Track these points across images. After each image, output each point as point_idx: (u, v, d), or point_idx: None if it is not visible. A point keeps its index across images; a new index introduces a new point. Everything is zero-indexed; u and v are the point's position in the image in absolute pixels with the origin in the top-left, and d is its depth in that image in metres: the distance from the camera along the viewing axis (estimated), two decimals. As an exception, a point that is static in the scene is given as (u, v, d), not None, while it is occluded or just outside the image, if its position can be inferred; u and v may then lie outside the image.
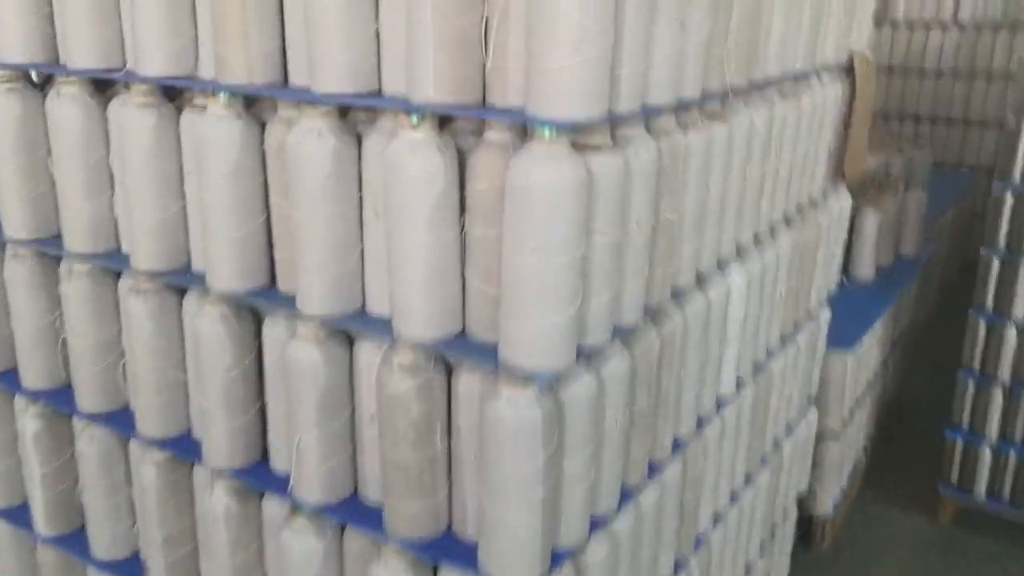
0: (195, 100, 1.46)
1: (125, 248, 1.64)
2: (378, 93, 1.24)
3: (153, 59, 1.39)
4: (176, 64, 1.40)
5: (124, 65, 1.48)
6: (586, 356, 1.23)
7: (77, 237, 1.64)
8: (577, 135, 1.12)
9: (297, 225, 1.31)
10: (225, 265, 1.42)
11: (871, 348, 3.10)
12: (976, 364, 2.96)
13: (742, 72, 1.50)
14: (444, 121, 1.24)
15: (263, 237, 1.43)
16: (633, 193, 1.23)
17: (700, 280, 1.56)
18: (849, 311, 2.77)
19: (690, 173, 1.41)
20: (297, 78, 1.32)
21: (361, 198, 1.30)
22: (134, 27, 1.41)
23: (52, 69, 1.57)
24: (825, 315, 2.35)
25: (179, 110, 1.48)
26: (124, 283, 1.63)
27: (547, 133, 1.07)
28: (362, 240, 1.32)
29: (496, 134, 1.18)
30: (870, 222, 3.28)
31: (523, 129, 1.16)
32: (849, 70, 2.08)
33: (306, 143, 1.25)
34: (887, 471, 3.43)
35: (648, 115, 1.25)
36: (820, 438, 2.72)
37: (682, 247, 1.44)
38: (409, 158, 1.17)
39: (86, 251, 1.64)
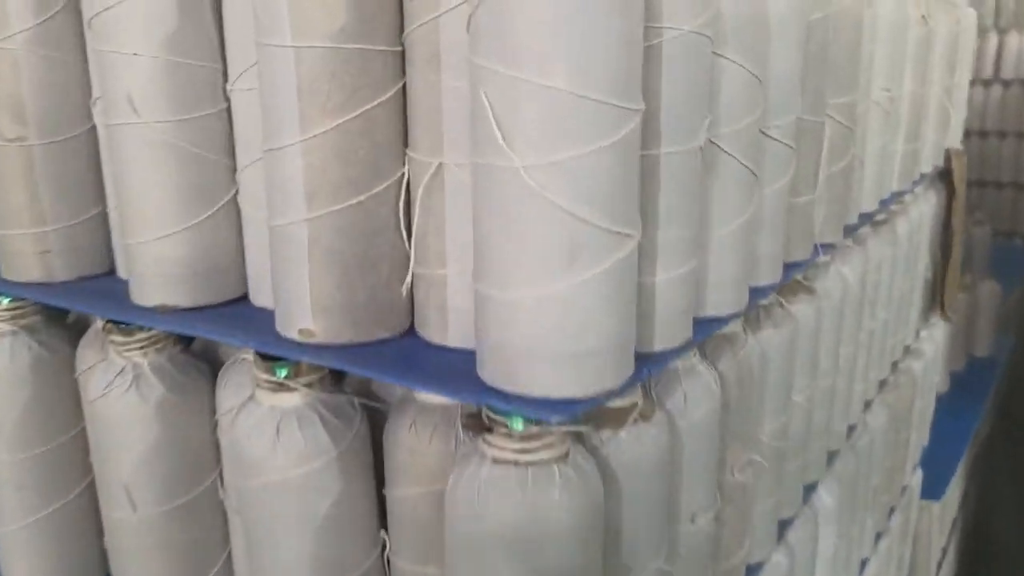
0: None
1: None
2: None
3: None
4: None
5: None
6: None
7: None
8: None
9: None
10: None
11: (956, 486, 2.56)
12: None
13: (833, 227, 1.01)
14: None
15: None
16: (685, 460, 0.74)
17: (782, 534, 1.06)
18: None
19: (766, 390, 0.91)
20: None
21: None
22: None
23: None
24: (917, 479, 1.83)
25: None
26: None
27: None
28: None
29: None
30: (940, 333, 2.75)
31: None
32: (946, 172, 1.59)
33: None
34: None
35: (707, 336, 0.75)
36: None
37: (752, 509, 0.94)
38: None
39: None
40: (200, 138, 0.73)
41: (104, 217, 0.87)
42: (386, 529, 0.73)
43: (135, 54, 0.70)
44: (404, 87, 0.66)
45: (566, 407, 0.57)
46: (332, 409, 0.70)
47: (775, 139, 0.80)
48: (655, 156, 0.63)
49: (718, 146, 0.71)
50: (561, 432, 0.60)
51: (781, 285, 0.89)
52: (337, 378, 0.73)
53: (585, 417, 0.66)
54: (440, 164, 0.64)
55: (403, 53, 0.65)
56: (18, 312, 0.88)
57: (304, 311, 0.67)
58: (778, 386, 0.93)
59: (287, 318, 0.68)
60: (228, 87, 0.73)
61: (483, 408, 0.61)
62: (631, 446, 0.66)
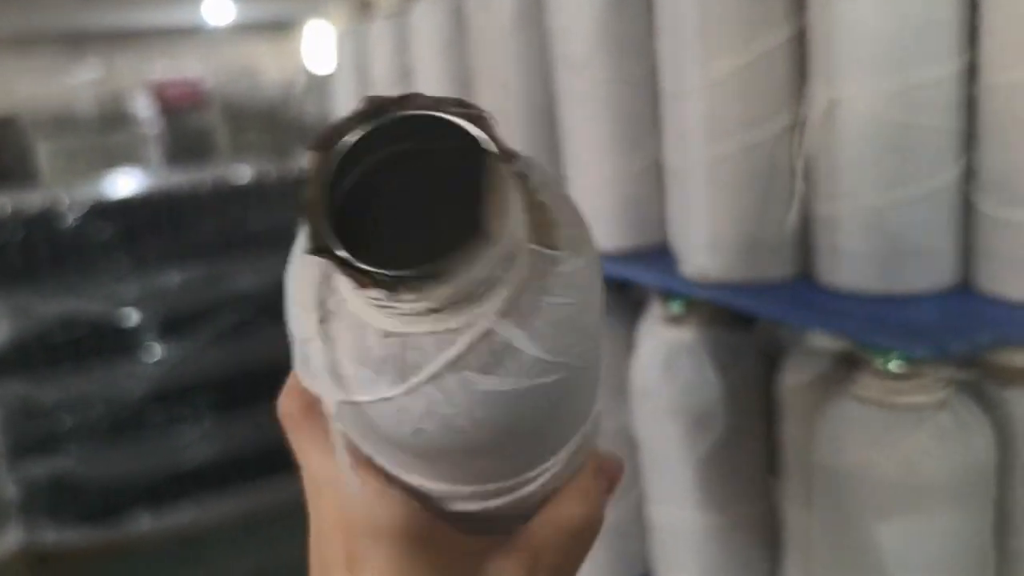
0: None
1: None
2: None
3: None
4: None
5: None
6: None
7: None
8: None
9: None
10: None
11: None
12: None
13: None
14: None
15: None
16: None
17: None
18: None
19: None
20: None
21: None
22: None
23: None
24: None
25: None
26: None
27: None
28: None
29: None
30: None
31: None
32: None
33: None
34: None
35: None
36: None
37: None
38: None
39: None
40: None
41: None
42: (775, 474, 0.72)
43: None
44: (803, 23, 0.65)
45: (939, 346, 0.52)
46: (723, 347, 0.71)
47: None
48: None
49: None
50: (939, 377, 0.55)
51: None
52: (734, 317, 0.74)
53: (980, 368, 0.59)
54: (833, 99, 0.62)
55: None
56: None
57: (700, 249, 0.69)
58: None
59: (685, 255, 0.71)
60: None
61: (857, 347, 0.58)
62: (1046, 411, 0.57)
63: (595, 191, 0.83)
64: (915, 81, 0.58)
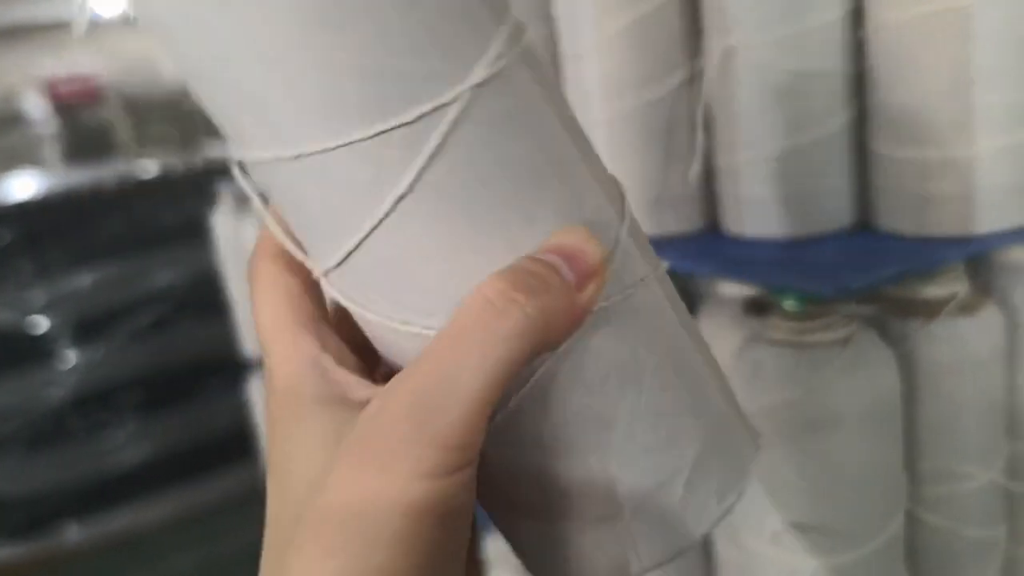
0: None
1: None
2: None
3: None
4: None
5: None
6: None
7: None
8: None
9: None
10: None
11: None
12: None
13: None
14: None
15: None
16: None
17: None
18: None
19: None
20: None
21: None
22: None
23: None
24: None
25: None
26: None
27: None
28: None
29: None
30: None
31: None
32: None
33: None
34: None
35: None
36: None
37: None
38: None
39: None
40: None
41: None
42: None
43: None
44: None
45: (841, 285, 0.53)
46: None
47: None
48: (964, 8, 0.55)
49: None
50: (843, 314, 0.57)
51: None
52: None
53: (882, 303, 0.61)
54: (727, 50, 0.63)
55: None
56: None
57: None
58: None
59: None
60: None
61: (764, 292, 0.59)
62: (946, 340, 0.60)
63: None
64: (805, 27, 0.59)
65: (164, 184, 2.53)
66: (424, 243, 0.26)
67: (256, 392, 1.71)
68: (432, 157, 0.25)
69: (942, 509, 0.62)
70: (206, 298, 2.16)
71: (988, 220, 0.59)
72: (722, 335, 0.65)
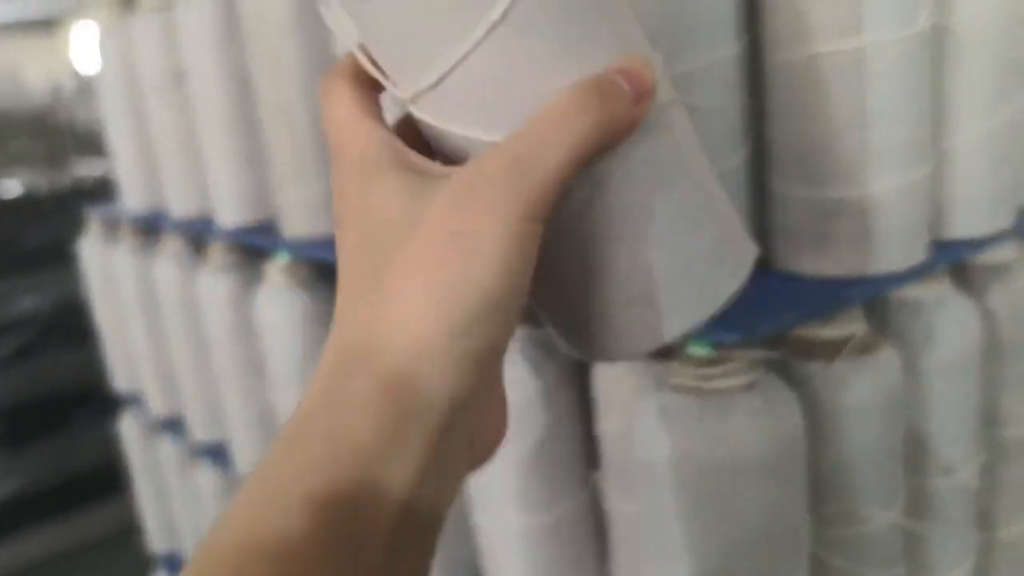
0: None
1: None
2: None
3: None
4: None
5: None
6: None
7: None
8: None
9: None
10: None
11: None
12: None
13: None
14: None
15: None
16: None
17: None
18: None
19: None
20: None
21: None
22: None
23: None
24: None
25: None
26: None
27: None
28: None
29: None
30: None
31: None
32: None
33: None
34: None
35: None
36: None
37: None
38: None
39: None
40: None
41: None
42: (597, 468, 0.71)
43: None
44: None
45: (746, 330, 0.52)
46: (535, 344, 0.69)
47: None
48: (859, 49, 0.55)
49: (956, 32, 0.61)
50: (747, 359, 0.55)
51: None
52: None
53: (784, 345, 0.60)
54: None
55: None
56: (295, 269, 0.98)
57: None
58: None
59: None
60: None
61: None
62: (846, 381, 0.59)
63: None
64: (702, 63, 0.58)
65: (28, 204, 2.38)
66: (511, 64, 0.32)
67: (127, 426, 1.61)
68: None
69: (845, 551, 0.62)
70: (73, 326, 2.04)
71: (886, 260, 0.58)
72: (625, 380, 0.63)
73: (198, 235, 1.19)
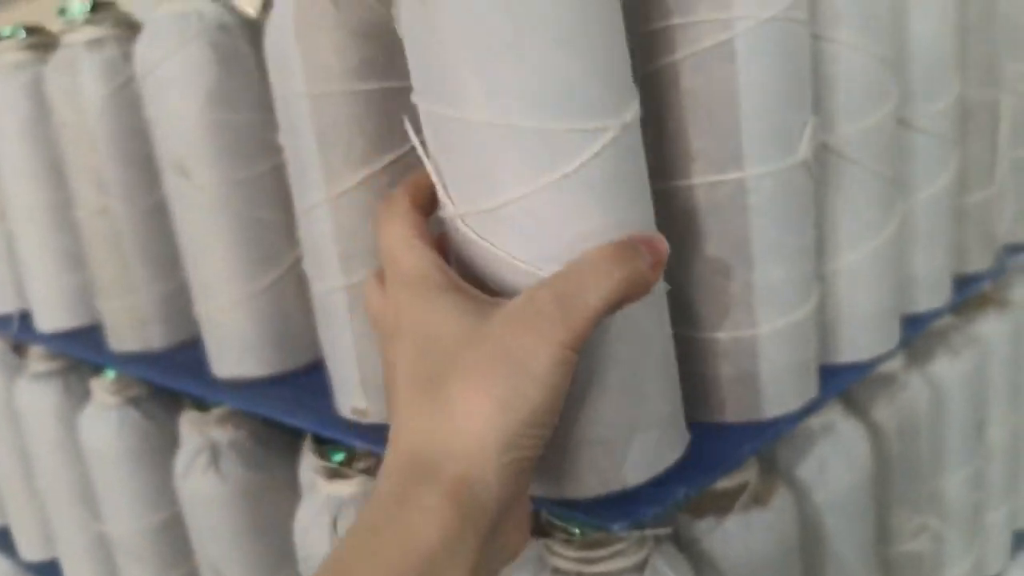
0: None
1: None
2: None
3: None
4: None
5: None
6: None
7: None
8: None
9: None
10: None
11: None
12: None
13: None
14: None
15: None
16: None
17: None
18: None
19: (946, 434, 0.74)
20: None
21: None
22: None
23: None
24: None
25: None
26: None
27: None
28: None
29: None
30: None
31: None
32: None
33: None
34: None
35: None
36: None
37: None
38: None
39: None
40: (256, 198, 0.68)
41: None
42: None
43: (179, 115, 0.66)
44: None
45: (627, 512, 0.45)
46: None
47: (923, 131, 0.64)
48: (738, 181, 0.50)
49: (836, 152, 0.57)
50: (635, 537, 0.49)
51: (958, 304, 0.72)
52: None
53: (678, 507, 0.54)
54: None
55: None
56: (123, 384, 0.87)
57: (353, 388, 0.59)
58: (963, 426, 0.76)
59: (340, 395, 0.61)
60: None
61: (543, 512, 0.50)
62: (740, 537, 0.54)
63: (227, 312, 0.69)
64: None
65: None
66: (565, 209, 0.37)
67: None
68: (595, 155, 0.37)
69: None
70: None
71: (775, 404, 0.53)
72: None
73: (17, 337, 1.05)
